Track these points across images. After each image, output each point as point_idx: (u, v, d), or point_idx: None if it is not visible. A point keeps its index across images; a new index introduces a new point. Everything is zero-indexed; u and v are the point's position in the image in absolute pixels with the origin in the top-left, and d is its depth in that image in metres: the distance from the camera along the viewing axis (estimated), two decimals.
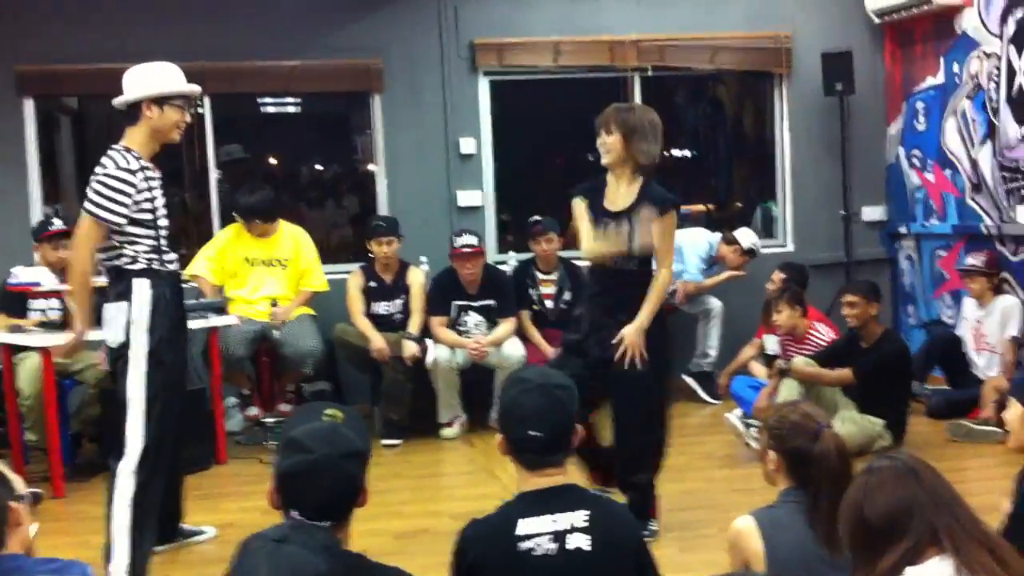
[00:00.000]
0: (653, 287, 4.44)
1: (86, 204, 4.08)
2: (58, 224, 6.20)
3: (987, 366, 6.40)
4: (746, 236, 7.33)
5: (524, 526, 2.51)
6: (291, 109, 8.74)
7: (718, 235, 7.42)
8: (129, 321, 4.10)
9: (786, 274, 6.81)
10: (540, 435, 2.56)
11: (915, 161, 7.70)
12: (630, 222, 4.41)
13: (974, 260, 6.56)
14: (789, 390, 5.62)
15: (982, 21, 6.89)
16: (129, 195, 4.07)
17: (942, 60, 7.31)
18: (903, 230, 7.83)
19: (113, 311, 4.14)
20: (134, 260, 4.14)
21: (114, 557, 3.99)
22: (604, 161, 4.48)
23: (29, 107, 6.98)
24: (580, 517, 2.52)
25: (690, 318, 7.26)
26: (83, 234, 4.11)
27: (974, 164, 7.04)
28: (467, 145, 7.46)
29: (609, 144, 4.43)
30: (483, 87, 7.54)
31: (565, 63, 7.55)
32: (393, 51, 7.35)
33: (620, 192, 4.48)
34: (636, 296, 4.43)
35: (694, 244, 7.29)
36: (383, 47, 7.32)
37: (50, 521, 4.85)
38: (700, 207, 8.96)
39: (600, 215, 4.48)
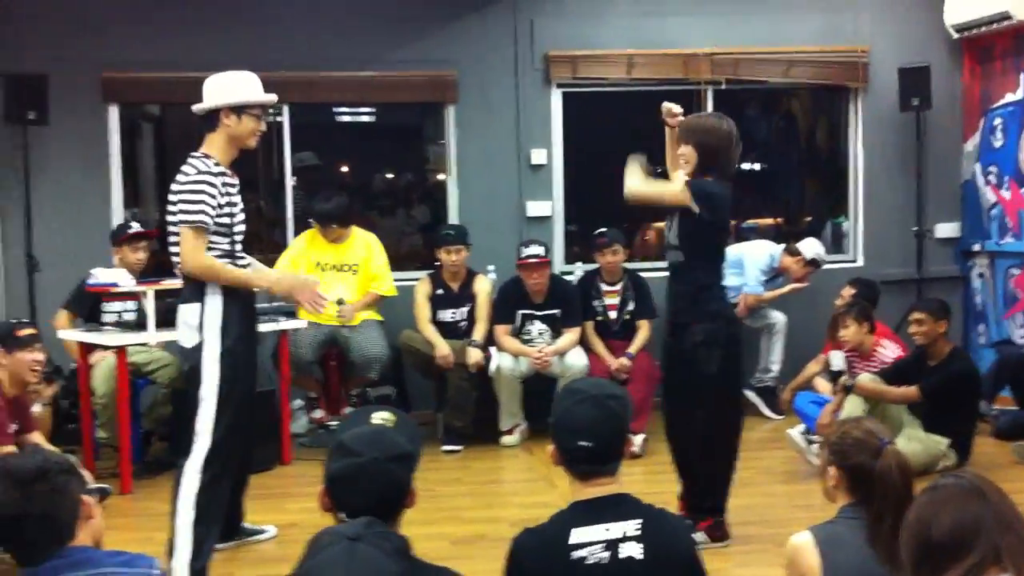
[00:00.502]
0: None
1: (181, 217, 4.15)
2: (136, 227, 6.38)
3: None
4: (809, 247, 7.24)
5: (577, 535, 2.53)
6: (365, 118, 8.87)
7: (780, 247, 7.34)
8: (202, 323, 4.20)
9: (856, 289, 6.74)
10: (591, 445, 2.59)
11: (991, 178, 7.57)
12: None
13: None
14: (853, 407, 5.57)
15: None
16: (214, 196, 4.17)
17: (1022, 76, 7.19)
18: (977, 248, 7.71)
19: (187, 313, 4.23)
20: None
21: (177, 552, 4.08)
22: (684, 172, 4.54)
23: (114, 113, 7.20)
24: (632, 526, 2.54)
25: (753, 332, 7.21)
26: (187, 246, 4.15)
27: None
28: (538, 156, 7.52)
29: (686, 155, 4.53)
30: (556, 99, 7.59)
31: (638, 76, 7.57)
32: (468, 63, 7.43)
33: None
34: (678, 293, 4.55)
35: (754, 256, 7.22)
36: (458, 59, 7.41)
37: (117, 517, 4.99)
38: (769, 221, 8.91)
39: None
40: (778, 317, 7.24)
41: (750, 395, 7.20)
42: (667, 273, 4.72)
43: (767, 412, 7.16)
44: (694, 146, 4.49)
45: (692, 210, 4.40)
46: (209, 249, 4.22)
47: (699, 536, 4.47)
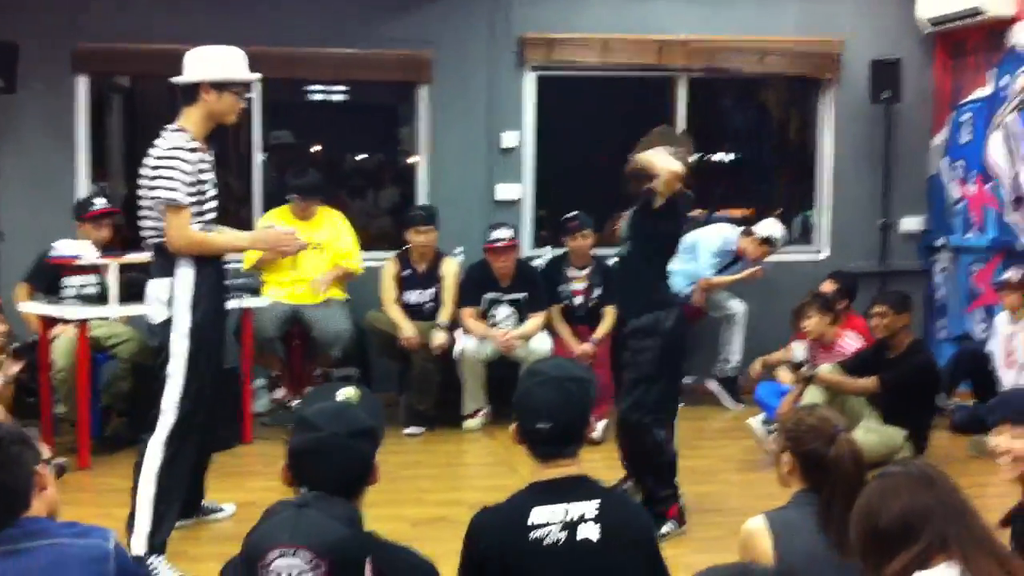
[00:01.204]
0: None
1: (159, 194, 4.10)
2: (100, 204, 6.29)
3: (1015, 382, 6.32)
4: (765, 226, 7.18)
5: (536, 515, 2.55)
6: (337, 97, 8.82)
7: (737, 230, 7.26)
8: (172, 298, 4.17)
9: (839, 284, 6.77)
10: (549, 427, 2.61)
11: (957, 173, 7.64)
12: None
13: (1011, 275, 6.50)
14: (813, 397, 5.61)
15: None
16: (186, 173, 4.12)
17: (991, 73, 7.25)
18: (940, 242, 7.77)
19: (157, 288, 4.21)
20: None
21: (137, 527, 4.07)
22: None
23: (83, 84, 7.09)
24: (591, 508, 2.57)
25: (714, 322, 7.25)
26: (176, 226, 4.10)
27: (1016, 178, 6.98)
28: (509, 139, 7.50)
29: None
30: (529, 82, 7.57)
31: (613, 61, 7.56)
32: (442, 43, 7.39)
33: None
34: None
35: (708, 240, 7.11)
36: (433, 39, 7.37)
37: (75, 492, 4.98)
38: (740, 211, 8.94)
39: None
40: (737, 307, 7.25)
41: (711, 385, 7.26)
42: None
43: (727, 403, 7.21)
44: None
45: (654, 205, 4.53)
46: None
47: (669, 525, 4.58)
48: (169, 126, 4.24)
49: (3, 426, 2.53)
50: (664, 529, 4.54)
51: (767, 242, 7.12)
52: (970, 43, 7.51)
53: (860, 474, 2.74)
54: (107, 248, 6.09)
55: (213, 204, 4.31)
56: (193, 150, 4.17)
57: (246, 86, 4.37)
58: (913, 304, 6.16)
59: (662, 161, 4.48)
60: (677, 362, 4.81)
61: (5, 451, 2.37)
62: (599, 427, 5.85)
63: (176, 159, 4.11)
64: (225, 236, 4.36)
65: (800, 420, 2.91)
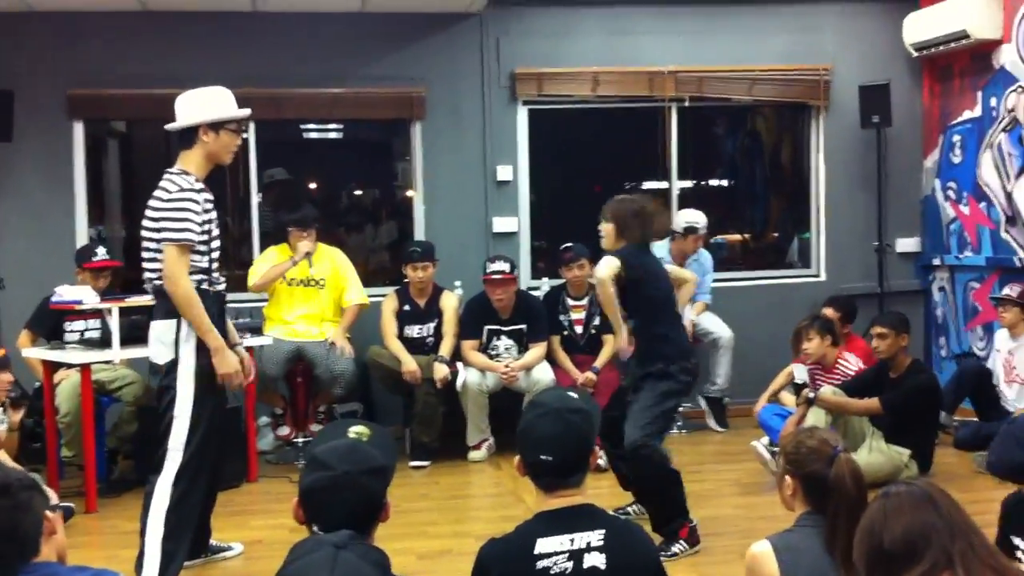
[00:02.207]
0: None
1: (166, 235, 4.11)
2: (101, 255, 6.30)
3: (1017, 398, 6.35)
4: (681, 217, 7.21)
5: (542, 545, 2.56)
6: (332, 135, 8.87)
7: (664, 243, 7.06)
8: (178, 339, 4.19)
9: (840, 313, 6.78)
10: (551, 459, 2.62)
11: (950, 194, 7.70)
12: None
13: (1009, 290, 6.54)
14: (816, 419, 5.63)
15: (1020, 56, 6.90)
16: (198, 214, 4.16)
17: (979, 94, 7.32)
18: (937, 262, 7.83)
19: (161, 329, 4.22)
20: None
21: (145, 568, 4.07)
22: (604, 246, 5.00)
23: (79, 130, 7.17)
24: (596, 537, 2.57)
25: (706, 345, 7.27)
26: (175, 265, 4.10)
27: (1009, 197, 7.03)
28: (504, 172, 7.57)
29: (605, 232, 4.98)
30: (522, 116, 7.65)
31: (604, 93, 7.65)
32: (435, 80, 7.48)
33: None
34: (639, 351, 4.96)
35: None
36: (425, 76, 7.45)
37: (83, 535, 4.99)
38: (736, 237, 9.00)
39: None
40: (723, 332, 7.24)
41: (701, 403, 7.30)
42: None
43: (712, 424, 7.25)
44: (612, 221, 4.94)
45: (620, 281, 4.78)
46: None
47: (679, 545, 4.64)
48: (171, 169, 4.27)
49: (12, 472, 2.54)
50: (674, 549, 4.60)
51: (690, 231, 7.09)
52: (957, 66, 7.59)
53: (861, 494, 2.76)
54: (107, 292, 6.11)
55: (217, 244, 4.35)
56: (200, 191, 4.22)
57: (239, 123, 4.41)
58: (911, 324, 6.18)
59: (597, 271, 4.86)
60: (677, 402, 5.01)
61: (15, 497, 2.38)
62: (604, 455, 5.86)
63: (188, 200, 4.15)
64: (207, 321, 4.19)
65: (800, 443, 2.93)
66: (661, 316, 4.90)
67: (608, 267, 4.76)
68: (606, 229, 4.96)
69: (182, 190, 4.17)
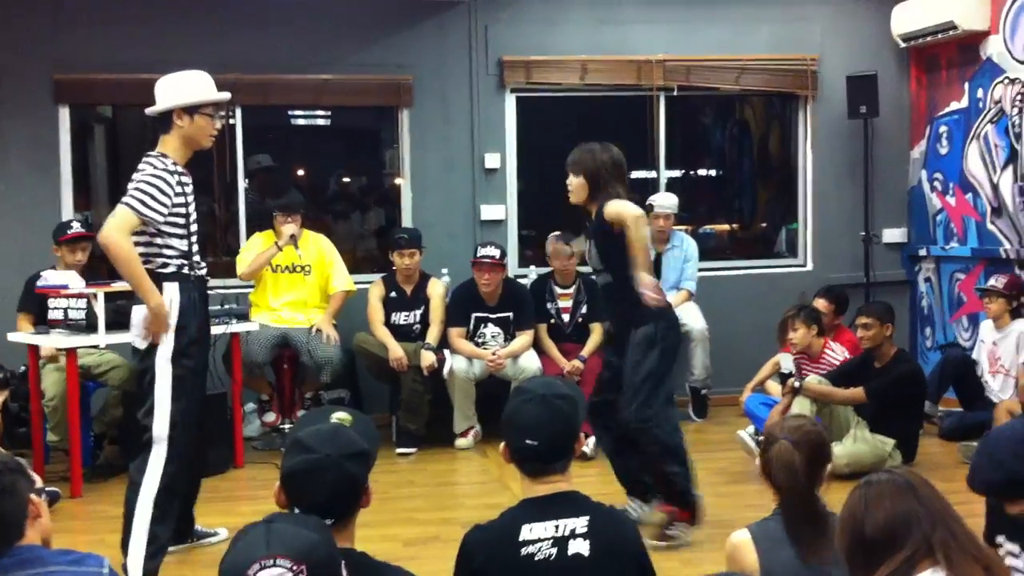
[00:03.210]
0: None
1: (125, 199, 4.12)
2: (76, 227, 6.30)
3: (1001, 389, 6.40)
4: (652, 198, 7.24)
5: (527, 532, 2.57)
6: (320, 121, 8.85)
7: None
8: None
9: (835, 304, 6.81)
10: (536, 444, 2.63)
11: (937, 184, 7.72)
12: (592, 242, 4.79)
13: (995, 281, 6.57)
14: (802, 408, 5.66)
15: (1007, 48, 6.93)
16: (168, 196, 4.15)
17: (966, 85, 7.35)
18: (923, 252, 7.86)
19: (142, 313, 4.21)
20: (165, 264, 4.23)
21: (131, 552, 4.08)
22: (572, 201, 4.80)
23: (64, 115, 7.13)
24: (581, 523, 2.59)
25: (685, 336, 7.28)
26: (119, 223, 4.09)
27: (995, 188, 7.06)
28: (492, 160, 7.56)
29: (574, 187, 4.74)
30: (510, 103, 7.64)
31: (592, 81, 7.65)
32: (423, 67, 7.47)
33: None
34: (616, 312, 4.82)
35: None
36: (413, 63, 7.44)
37: (68, 520, 4.98)
38: (724, 226, 9.02)
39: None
40: (694, 325, 7.14)
41: (687, 390, 7.35)
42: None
43: (690, 412, 7.29)
44: (582, 176, 4.71)
45: (610, 231, 4.59)
46: (168, 248, 4.21)
47: (678, 528, 4.67)
48: (150, 152, 4.28)
49: None
50: (671, 532, 4.63)
51: (648, 208, 6.91)
52: (944, 57, 7.61)
53: (797, 484, 2.75)
54: (86, 274, 6.06)
55: (195, 228, 4.34)
56: (175, 172, 4.21)
57: (217, 107, 4.40)
58: (896, 314, 6.21)
59: (628, 209, 4.57)
60: (671, 363, 4.82)
61: None
62: (590, 443, 5.88)
63: (159, 179, 4.14)
64: (144, 275, 4.14)
65: (772, 427, 2.94)
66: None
67: (636, 208, 4.54)
68: (576, 184, 4.74)
69: (156, 169, 4.17)
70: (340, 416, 2.51)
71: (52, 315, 5.87)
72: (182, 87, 4.31)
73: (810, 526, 2.73)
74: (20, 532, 2.39)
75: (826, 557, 2.62)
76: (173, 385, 4.18)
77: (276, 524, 2.03)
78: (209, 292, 4.60)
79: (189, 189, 4.29)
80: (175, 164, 4.24)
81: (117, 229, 4.08)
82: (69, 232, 6.25)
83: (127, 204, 4.11)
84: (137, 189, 4.13)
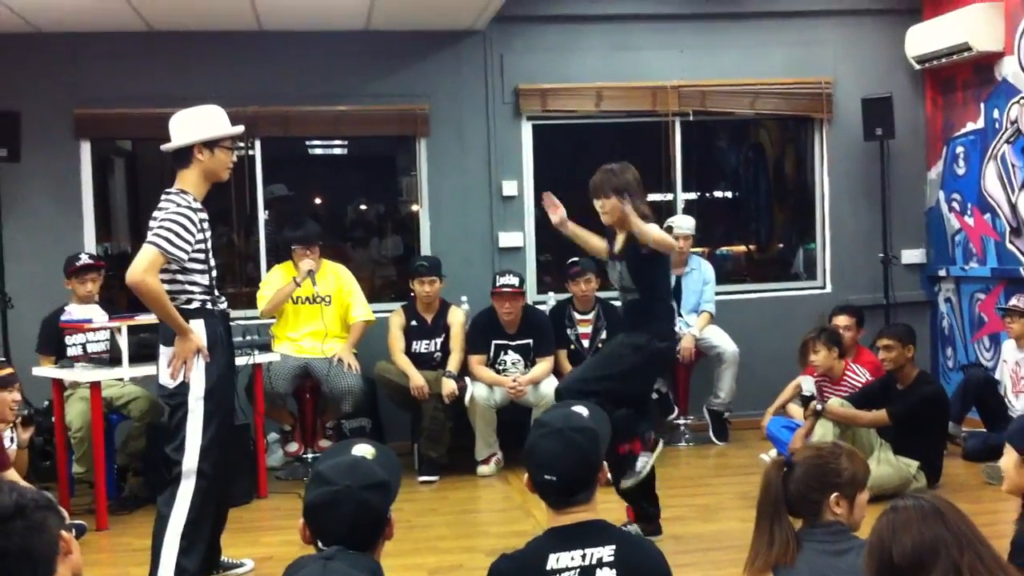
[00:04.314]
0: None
1: (150, 238, 4.14)
2: (84, 259, 6.32)
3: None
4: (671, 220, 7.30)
5: (553, 561, 2.56)
6: (338, 151, 8.92)
7: None
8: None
9: (847, 315, 6.80)
10: (554, 480, 2.63)
11: (955, 205, 7.71)
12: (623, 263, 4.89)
13: (1017, 301, 6.54)
14: (824, 431, 5.64)
15: (1022, 68, 6.93)
16: (192, 233, 4.19)
17: (982, 106, 7.35)
18: (942, 273, 7.84)
19: (170, 352, 4.25)
20: (190, 300, 4.26)
21: None
22: (606, 222, 4.93)
23: (86, 149, 7.21)
24: (607, 552, 2.58)
25: (711, 360, 7.30)
26: (146, 263, 4.11)
27: (1013, 208, 7.05)
28: (509, 188, 7.60)
29: (607, 208, 4.85)
30: (526, 131, 7.68)
31: (607, 108, 7.70)
32: (439, 96, 7.52)
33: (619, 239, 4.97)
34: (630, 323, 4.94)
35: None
36: (430, 92, 7.50)
37: (94, 553, 4.99)
38: (741, 248, 9.02)
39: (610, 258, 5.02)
40: (726, 347, 7.22)
41: (706, 415, 7.33)
42: None
43: (711, 436, 7.27)
44: (613, 195, 4.80)
45: (641, 250, 4.71)
46: (192, 284, 4.25)
47: (643, 458, 4.81)
48: (169, 189, 4.30)
49: (27, 492, 2.53)
50: (638, 466, 4.78)
51: (667, 229, 6.88)
52: (959, 78, 7.62)
53: (766, 497, 2.88)
54: (106, 306, 6.10)
55: (213, 262, 4.38)
56: (197, 210, 4.25)
57: (234, 139, 4.45)
58: (917, 335, 6.19)
59: (650, 230, 4.68)
60: (648, 378, 5.03)
61: (30, 518, 2.37)
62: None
63: (184, 216, 4.18)
64: (173, 311, 4.19)
65: (794, 451, 2.98)
66: (663, 294, 4.94)
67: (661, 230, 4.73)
68: (609, 204, 4.83)
69: (180, 207, 4.20)
70: (362, 449, 2.52)
71: (71, 351, 5.93)
72: (201, 122, 4.34)
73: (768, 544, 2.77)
74: (51, 570, 2.39)
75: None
76: (204, 422, 4.22)
77: (332, 564, 2.03)
78: (232, 324, 4.63)
79: (207, 225, 4.34)
80: (195, 200, 4.28)
81: (145, 269, 4.11)
82: (76, 264, 6.28)
83: (153, 243, 4.13)
84: (161, 227, 4.16)
